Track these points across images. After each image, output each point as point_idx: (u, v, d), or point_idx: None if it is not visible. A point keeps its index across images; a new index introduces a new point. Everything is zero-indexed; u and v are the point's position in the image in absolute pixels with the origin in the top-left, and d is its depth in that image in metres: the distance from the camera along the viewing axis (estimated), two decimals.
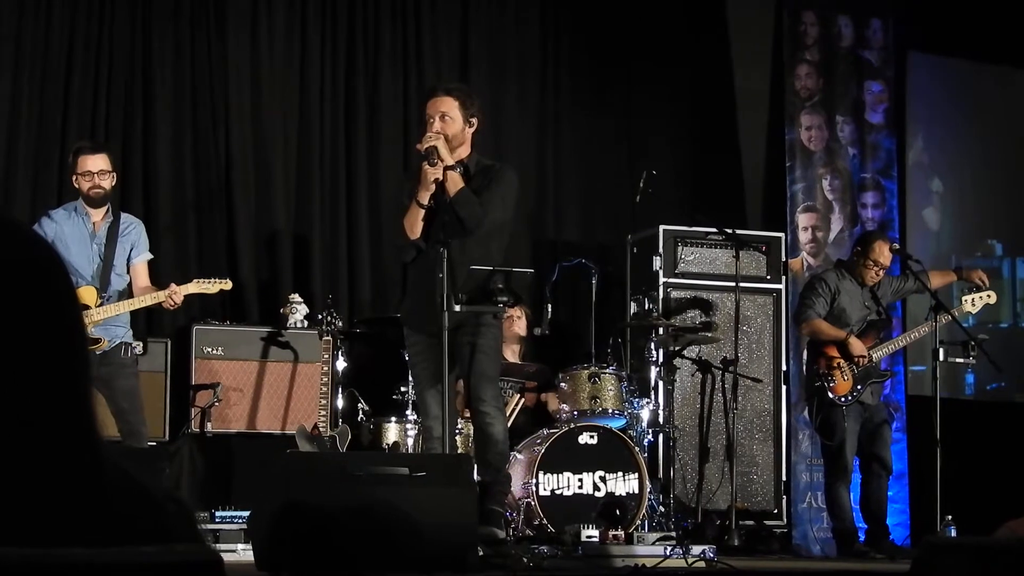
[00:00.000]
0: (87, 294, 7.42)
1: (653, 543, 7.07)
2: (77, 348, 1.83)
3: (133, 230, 7.85)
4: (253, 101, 9.86)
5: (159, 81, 9.63)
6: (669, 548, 6.78)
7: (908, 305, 10.20)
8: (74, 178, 7.74)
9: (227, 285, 7.91)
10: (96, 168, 7.69)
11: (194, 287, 7.75)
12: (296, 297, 9.15)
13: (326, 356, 8.42)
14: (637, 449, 8.14)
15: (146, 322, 8.87)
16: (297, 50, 10.05)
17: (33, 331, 1.76)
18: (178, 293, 7.59)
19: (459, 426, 7.83)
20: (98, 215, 7.74)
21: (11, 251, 1.80)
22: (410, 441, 8.33)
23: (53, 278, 1.83)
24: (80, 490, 1.75)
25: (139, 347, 7.89)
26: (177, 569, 1.73)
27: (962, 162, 11.38)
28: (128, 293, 7.73)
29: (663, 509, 8.38)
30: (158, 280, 7.92)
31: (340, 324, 8.59)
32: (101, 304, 7.51)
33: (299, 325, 8.98)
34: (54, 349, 1.78)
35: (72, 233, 7.63)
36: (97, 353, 7.37)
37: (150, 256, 7.88)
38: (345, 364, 8.73)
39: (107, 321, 7.54)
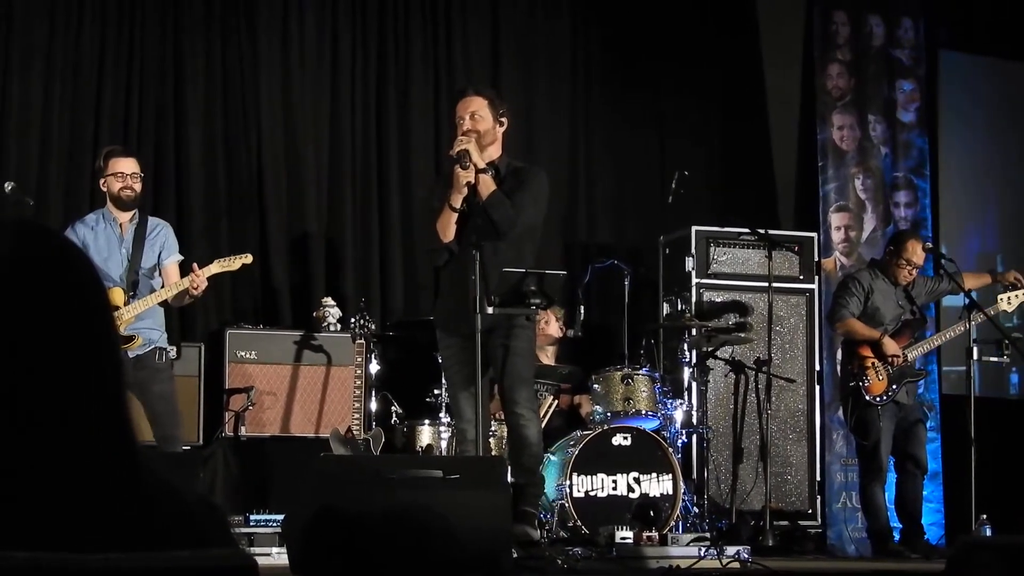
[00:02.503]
0: (116, 296, 7.44)
1: (687, 544, 7.05)
2: (110, 351, 1.84)
3: (161, 232, 7.86)
4: (284, 105, 9.88)
5: (190, 87, 9.65)
6: (703, 549, 6.77)
7: (942, 304, 10.15)
8: (103, 181, 7.76)
9: (248, 259, 7.86)
10: (128, 170, 7.72)
11: (216, 267, 7.72)
12: (329, 300, 9.17)
13: (359, 359, 8.42)
14: (671, 450, 8.12)
15: (180, 326, 8.90)
16: (328, 54, 10.07)
17: (67, 335, 1.77)
18: (200, 276, 7.55)
19: (493, 428, 7.83)
20: (125, 218, 7.75)
21: (43, 257, 1.81)
22: (444, 444, 8.33)
23: (85, 283, 1.84)
24: (116, 494, 1.75)
25: (173, 351, 7.90)
26: (212, 573, 1.73)
27: (994, 160, 11.32)
28: None
29: (697, 510, 8.36)
30: None
31: (373, 327, 8.59)
32: (128, 303, 7.52)
33: (332, 328, 8.99)
34: (88, 353, 1.79)
35: (101, 237, 7.65)
36: (131, 356, 7.39)
37: (180, 257, 7.88)
38: (378, 367, 8.73)
39: (141, 324, 7.55)
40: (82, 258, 1.86)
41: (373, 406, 8.60)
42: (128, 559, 1.69)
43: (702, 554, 6.67)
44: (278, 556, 7.11)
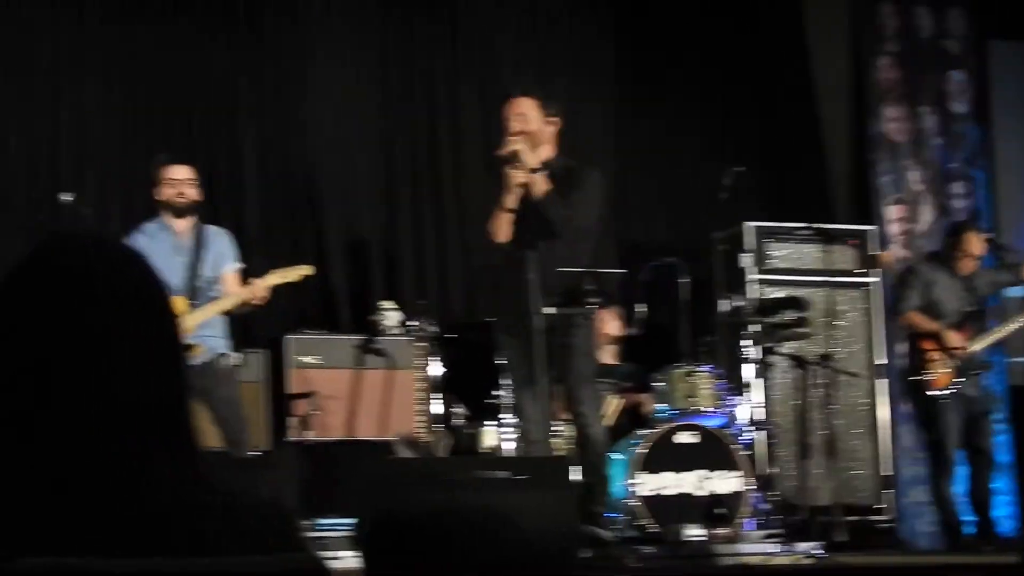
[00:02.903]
0: (177, 304, 7.46)
1: (758, 541, 7.02)
2: (175, 357, 1.85)
3: (219, 240, 7.90)
4: (336, 110, 9.92)
5: (242, 94, 9.71)
6: (774, 546, 6.73)
7: (1006, 295, 10.04)
8: (157, 189, 7.82)
9: (307, 270, 7.91)
10: (180, 176, 7.77)
11: (275, 277, 7.75)
12: (388, 304, 9.17)
13: (421, 362, 8.43)
14: (737, 447, 8.08)
15: (242, 333, 8.93)
16: (377, 57, 10.10)
17: (132, 342, 1.78)
18: (260, 286, 7.61)
19: (557, 428, 7.82)
20: (184, 227, 7.80)
21: (109, 266, 1.82)
22: (508, 445, 8.32)
23: (150, 290, 1.85)
24: (183, 500, 1.76)
25: (236, 357, 7.93)
26: None
27: None
28: None
29: (766, 507, 8.31)
30: None
31: (433, 329, 8.60)
32: (189, 312, 7.56)
33: (393, 332, 9.00)
34: (153, 359, 1.80)
35: (160, 246, 7.69)
36: (194, 363, 7.42)
37: (239, 265, 7.92)
38: (440, 369, 8.72)
39: (203, 332, 7.59)
40: (145, 266, 1.87)
41: (436, 408, 8.59)
42: (199, 565, 1.69)
43: (773, 551, 6.63)
44: (347, 560, 7.12)
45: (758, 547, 6.84)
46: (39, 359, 1.73)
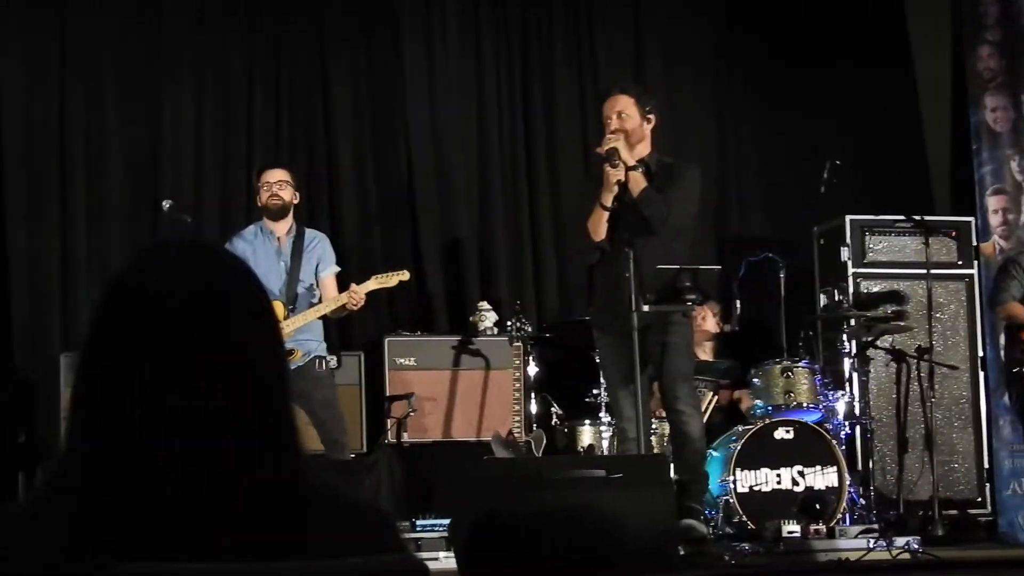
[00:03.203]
0: (276, 309, 7.52)
1: (856, 536, 6.98)
2: (278, 362, 1.88)
3: (318, 244, 7.97)
4: (431, 112, 9.95)
5: (337, 99, 9.77)
6: (872, 541, 6.69)
7: None
8: (254, 194, 7.93)
9: (405, 276, 7.96)
10: (274, 179, 7.86)
11: (373, 283, 7.82)
12: (484, 304, 9.20)
13: (517, 362, 8.44)
14: (834, 442, 8.04)
15: (339, 336, 9.00)
16: (472, 58, 10.12)
17: (236, 346, 1.81)
18: (358, 292, 7.68)
19: (654, 426, 7.81)
20: (282, 231, 7.88)
21: (211, 271, 1.85)
22: (605, 443, 8.32)
23: (252, 295, 1.88)
24: (287, 503, 1.79)
25: (333, 360, 7.99)
26: None
27: None
28: None
29: (864, 502, 8.25)
30: None
31: (529, 329, 8.61)
32: (288, 317, 7.64)
33: (489, 333, 9.03)
34: (256, 363, 1.83)
35: (259, 251, 7.77)
36: (292, 368, 7.47)
37: (338, 269, 7.99)
38: (537, 369, 8.73)
39: (301, 336, 7.66)
40: (247, 271, 1.90)
41: (533, 408, 8.60)
42: (302, 567, 1.72)
43: (871, 546, 6.60)
44: (445, 560, 7.16)
45: (856, 542, 6.80)
46: (143, 364, 1.76)
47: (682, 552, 6.21)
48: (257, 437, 1.79)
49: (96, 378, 1.80)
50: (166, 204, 7.95)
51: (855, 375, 8.75)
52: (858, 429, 8.80)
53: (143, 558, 1.68)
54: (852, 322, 8.62)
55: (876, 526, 7.42)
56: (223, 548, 1.71)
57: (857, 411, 8.67)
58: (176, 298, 1.80)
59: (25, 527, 1.75)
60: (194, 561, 1.69)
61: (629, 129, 7.09)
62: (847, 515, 7.89)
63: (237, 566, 1.69)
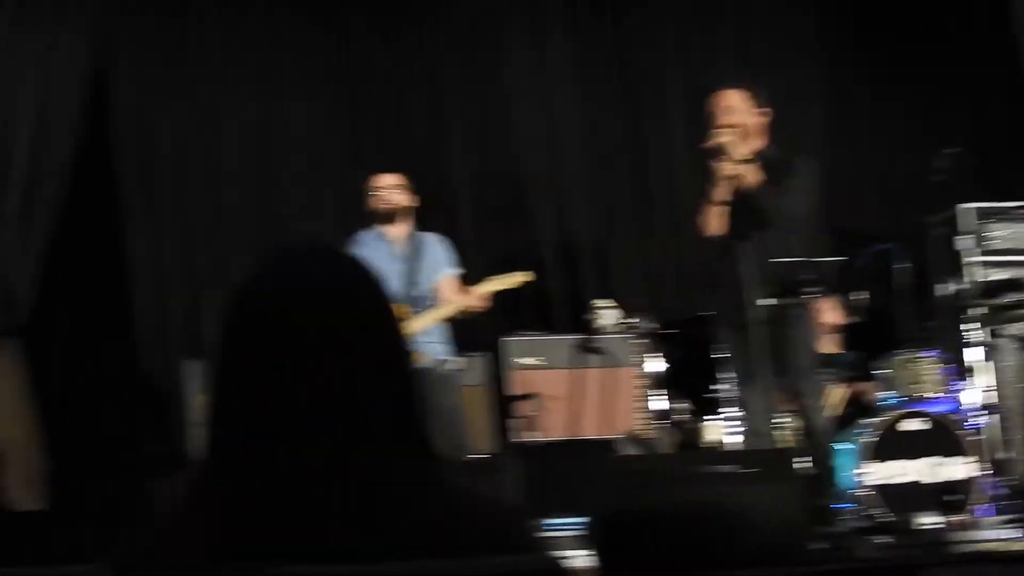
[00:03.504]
0: (400, 312, 7.56)
1: (994, 527, 6.88)
2: (406, 365, 1.88)
3: (436, 247, 8.00)
4: (542, 112, 9.97)
5: (448, 101, 9.83)
6: (1012, 531, 6.59)
7: None
8: (369, 198, 7.98)
9: (528, 276, 7.98)
10: (385, 183, 7.91)
11: (494, 284, 7.84)
12: (605, 302, 9.20)
13: (640, 359, 8.43)
14: (966, 432, 7.92)
15: (461, 338, 9.03)
16: (579, 56, 10.13)
17: (367, 350, 1.81)
18: (479, 293, 7.70)
19: (779, 420, 7.75)
20: (399, 235, 7.92)
21: (337, 275, 1.86)
22: (731, 438, 8.27)
23: (379, 299, 1.88)
24: (424, 504, 1.78)
25: (456, 362, 8.02)
26: None
27: None
28: None
29: (1001, 492, 8.12)
30: None
31: (651, 326, 8.59)
32: (409, 319, 7.67)
33: (610, 330, 9.02)
34: (386, 367, 1.83)
35: (377, 255, 7.81)
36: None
37: (456, 271, 8.01)
38: (660, 366, 8.70)
39: (424, 339, 7.69)
40: (373, 275, 1.90)
41: (658, 405, 8.57)
42: (442, 566, 1.72)
43: (1011, 536, 6.49)
44: (577, 559, 7.16)
45: (995, 533, 6.69)
46: (277, 371, 1.77)
47: (814, 546, 6.14)
48: (394, 439, 1.80)
49: (232, 386, 1.82)
50: (287, 210, 8.01)
51: (985, 364, 8.62)
52: (991, 419, 8.66)
53: (289, 562, 1.69)
54: (975, 311, 8.50)
55: (1016, 516, 7.30)
56: (366, 550, 1.71)
57: (988, 400, 8.54)
58: (306, 303, 1.82)
59: (173, 535, 1.77)
60: (339, 563, 1.70)
61: (741, 124, 7.04)
62: (985, 506, 7.77)
63: (381, 567, 1.69)
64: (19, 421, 6.19)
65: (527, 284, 8.12)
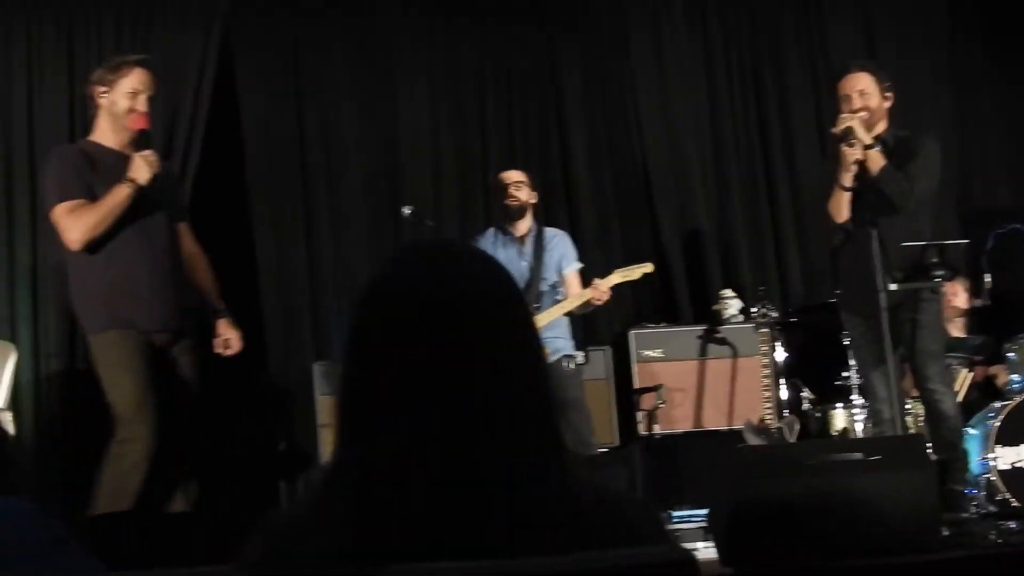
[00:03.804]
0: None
1: None
2: (540, 360, 1.90)
3: (559, 242, 8.02)
4: (662, 104, 9.93)
5: (569, 95, 9.83)
6: None
7: None
8: (492, 195, 8.04)
9: (648, 268, 7.97)
10: (511, 180, 7.95)
11: (617, 277, 7.84)
12: (728, 292, 9.18)
13: (765, 348, 8.39)
14: None
15: (585, 331, 9.05)
16: (700, 45, 10.08)
17: (497, 344, 1.84)
18: (602, 286, 7.71)
19: (908, 406, 7.68)
20: (522, 231, 7.96)
21: (466, 270, 1.89)
22: (859, 426, 8.21)
23: (510, 292, 1.91)
24: (555, 498, 1.81)
25: (581, 357, 8.04)
26: (653, 570, 1.76)
27: None
28: None
29: None
30: None
31: (775, 315, 8.55)
32: (534, 315, 7.71)
33: (734, 320, 9.00)
34: (518, 360, 1.85)
35: (501, 252, 7.85)
36: None
37: (580, 265, 8.03)
38: (785, 355, 8.66)
39: (547, 334, 7.71)
40: (499, 268, 1.93)
41: (783, 394, 8.53)
42: (573, 560, 1.74)
43: None
44: (704, 550, 7.15)
45: None
46: (407, 368, 1.79)
47: (944, 533, 6.09)
48: (524, 434, 1.81)
49: (360, 385, 1.83)
50: (406, 210, 8.07)
51: None
52: None
53: (419, 559, 1.71)
54: None
55: None
56: (496, 546, 1.74)
57: None
58: (435, 299, 1.82)
59: (302, 532, 1.80)
60: (469, 559, 1.72)
61: (870, 108, 6.99)
62: None
63: (512, 562, 1.72)
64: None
65: (650, 276, 8.12)
